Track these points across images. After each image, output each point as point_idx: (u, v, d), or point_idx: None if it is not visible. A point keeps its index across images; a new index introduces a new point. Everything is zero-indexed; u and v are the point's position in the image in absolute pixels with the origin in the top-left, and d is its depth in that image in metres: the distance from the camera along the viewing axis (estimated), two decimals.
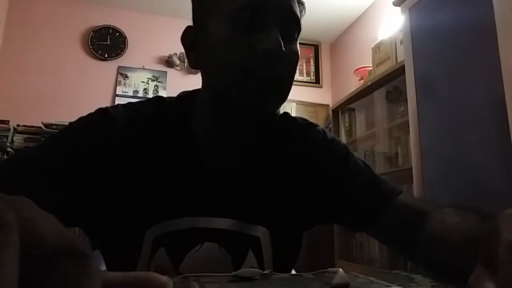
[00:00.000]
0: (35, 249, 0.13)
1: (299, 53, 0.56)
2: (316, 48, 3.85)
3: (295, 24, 0.54)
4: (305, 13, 0.59)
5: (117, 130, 0.55)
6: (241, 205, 0.57)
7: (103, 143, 0.53)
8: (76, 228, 0.57)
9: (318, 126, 0.69)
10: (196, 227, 0.54)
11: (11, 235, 0.12)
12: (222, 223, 0.55)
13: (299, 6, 0.56)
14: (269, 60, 0.50)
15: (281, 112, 0.68)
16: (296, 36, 0.55)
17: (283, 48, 0.50)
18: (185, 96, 0.62)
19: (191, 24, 0.59)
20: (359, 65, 2.96)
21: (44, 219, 0.14)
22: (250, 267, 0.55)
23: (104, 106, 0.58)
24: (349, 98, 2.80)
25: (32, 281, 0.13)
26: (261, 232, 0.57)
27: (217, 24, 0.53)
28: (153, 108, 0.59)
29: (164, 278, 0.16)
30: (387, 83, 2.38)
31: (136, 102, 0.61)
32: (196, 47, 0.57)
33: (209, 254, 0.54)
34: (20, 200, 0.14)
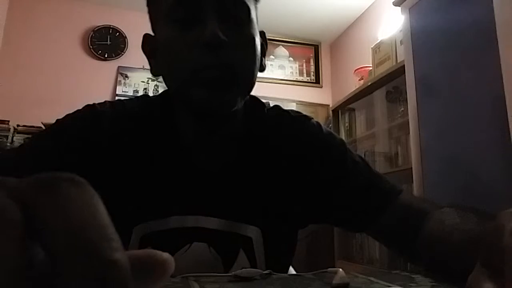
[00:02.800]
0: (38, 185, 0.14)
1: (257, 35, 0.54)
2: (316, 48, 3.84)
3: (239, 7, 0.52)
4: None
5: (104, 126, 0.54)
6: (231, 204, 0.56)
7: (90, 139, 0.53)
8: None
9: (313, 119, 0.66)
10: (183, 226, 0.54)
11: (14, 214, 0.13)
12: (211, 222, 0.54)
13: None
14: (212, 53, 0.49)
15: (272, 105, 0.66)
16: (245, 18, 0.53)
17: (223, 36, 0.48)
18: (168, 94, 0.62)
19: (145, 34, 0.61)
20: (359, 65, 2.96)
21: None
22: (242, 268, 0.55)
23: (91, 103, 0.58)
24: (349, 98, 2.80)
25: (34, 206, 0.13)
26: (253, 231, 0.56)
27: (160, 28, 0.54)
28: (139, 106, 0.59)
29: (165, 255, 0.16)
30: (387, 83, 2.38)
31: (123, 99, 0.61)
32: (154, 54, 0.57)
33: (198, 255, 0.54)
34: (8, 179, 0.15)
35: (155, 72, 0.58)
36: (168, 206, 0.54)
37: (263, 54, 0.58)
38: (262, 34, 0.58)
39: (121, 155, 0.54)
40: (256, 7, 0.56)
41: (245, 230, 0.56)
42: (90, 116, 0.55)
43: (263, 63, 0.58)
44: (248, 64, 0.53)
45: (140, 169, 0.55)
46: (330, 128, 2.98)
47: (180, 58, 0.51)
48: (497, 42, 1.31)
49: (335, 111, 3.02)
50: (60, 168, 0.53)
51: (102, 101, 0.59)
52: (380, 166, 2.39)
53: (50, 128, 0.55)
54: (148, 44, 0.59)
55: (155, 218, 0.53)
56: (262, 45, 0.57)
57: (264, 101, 0.66)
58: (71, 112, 0.57)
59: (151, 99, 0.62)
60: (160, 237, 0.53)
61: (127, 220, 0.53)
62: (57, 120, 0.55)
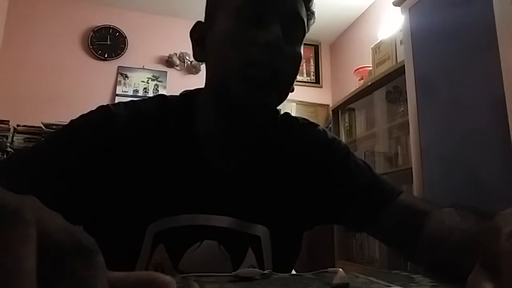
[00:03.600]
0: (45, 246, 0.13)
1: (302, 55, 0.57)
2: (316, 48, 3.84)
3: (298, 24, 0.55)
4: (314, 22, 0.61)
5: (118, 127, 0.55)
6: (241, 204, 0.57)
7: (104, 140, 0.53)
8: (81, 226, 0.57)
9: (319, 125, 0.69)
10: (195, 224, 0.54)
11: (31, 231, 0.13)
12: (221, 221, 0.55)
13: (308, 13, 0.58)
14: (268, 52, 0.51)
15: (282, 112, 0.68)
16: (300, 38, 0.56)
17: (284, 43, 0.51)
18: (188, 94, 0.63)
19: (198, 22, 0.61)
20: (359, 65, 2.96)
21: (50, 217, 0.15)
22: (250, 266, 0.55)
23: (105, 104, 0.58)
24: (349, 98, 2.80)
25: (43, 278, 0.13)
26: (261, 231, 0.57)
27: (223, 19, 0.55)
28: (155, 106, 0.59)
29: (167, 278, 0.17)
30: (387, 83, 2.38)
31: (138, 100, 0.61)
32: (203, 41, 0.59)
33: (208, 252, 0.54)
34: (28, 198, 0.15)
35: (199, 57, 0.60)
36: (181, 204, 0.55)
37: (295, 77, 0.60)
38: None
39: (136, 155, 0.55)
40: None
41: (254, 229, 0.57)
42: (104, 116, 0.55)
43: (293, 85, 0.60)
44: (292, 77, 0.56)
45: (154, 168, 0.55)
46: (330, 128, 2.98)
47: (235, 50, 0.52)
48: (497, 42, 1.31)
49: (335, 111, 3.01)
50: (74, 169, 0.53)
51: (105, 101, 0.59)
52: (380, 166, 2.39)
53: (64, 128, 0.55)
54: (198, 31, 0.61)
55: (168, 216, 0.54)
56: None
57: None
58: (72, 112, 0.57)
59: (168, 100, 0.62)
60: (172, 234, 0.54)
61: (141, 218, 0.54)
62: (71, 120, 0.56)
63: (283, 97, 0.57)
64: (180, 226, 0.54)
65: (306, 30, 0.58)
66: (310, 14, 0.60)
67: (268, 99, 0.54)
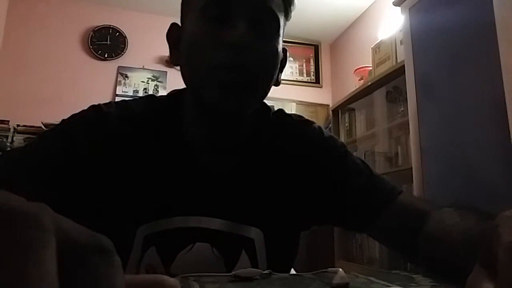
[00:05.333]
0: (66, 248, 0.14)
1: (280, 50, 0.55)
2: (316, 48, 3.84)
3: (270, 18, 0.53)
4: (294, 7, 0.58)
5: (110, 127, 0.54)
6: (234, 206, 0.56)
7: (96, 139, 0.53)
8: None
9: (315, 123, 0.67)
10: (187, 226, 0.54)
11: (50, 238, 0.13)
12: (214, 223, 0.55)
13: (284, 1, 0.55)
14: (234, 53, 0.49)
15: (276, 109, 0.67)
16: (275, 31, 0.54)
17: (249, 40, 0.49)
18: (175, 94, 0.62)
19: (173, 23, 0.60)
20: (359, 65, 2.96)
21: (65, 220, 0.15)
22: (244, 268, 0.55)
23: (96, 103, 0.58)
24: (349, 98, 2.80)
25: (65, 278, 0.13)
26: (255, 233, 0.56)
27: (191, 20, 0.54)
28: (145, 106, 0.59)
29: (173, 281, 0.17)
30: (387, 83, 2.38)
31: (129, 100, 0.61)
32: (178, 44, 0.57)
33: (201, 255, 0.54)
34: (41, 204, 0.15)
35: (174, 62, 0.58)
36: (172, 206, 0.54)
37: (281, 69, 0.58)
38: (284, 51, 0.59)
39: (127, 155, 0.54)
40: (285, 24, 0.57)
41: (247, 232, 0.56)
42: (95, 116, 0.55)
43: (279, 78, 0.59)
44: (266, 73, 0.54)
45: (145, 169, 0.55)
46: (330, 128, 2.98)
47: (202, 53, 0.51)
48: (497, 42, 1.31)
49: (335, 111, 3.02)
50: (65, 169, 0.53)
51: (105, 101, 0.59)
52: (380, 166, 2.39)
53: (56, 128, 0.55)
54: (173, 33, 0.59)
55: (159, 218, 0.53)
56: (281, 61, 0.58)
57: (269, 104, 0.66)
58: (73, 112, 0.57)
59: (157, 100, 0.61)
60: (164, 237, 0.53)
61: (132, 220, 0.53)
62: (63, 120, 0.55)
63: (263, 95, 0.55)
64: (171, 228, 0.53)
65: (286, 20, 0.56)
66: (287, 1, 0.56)
67: (244, 101, 0.52)
